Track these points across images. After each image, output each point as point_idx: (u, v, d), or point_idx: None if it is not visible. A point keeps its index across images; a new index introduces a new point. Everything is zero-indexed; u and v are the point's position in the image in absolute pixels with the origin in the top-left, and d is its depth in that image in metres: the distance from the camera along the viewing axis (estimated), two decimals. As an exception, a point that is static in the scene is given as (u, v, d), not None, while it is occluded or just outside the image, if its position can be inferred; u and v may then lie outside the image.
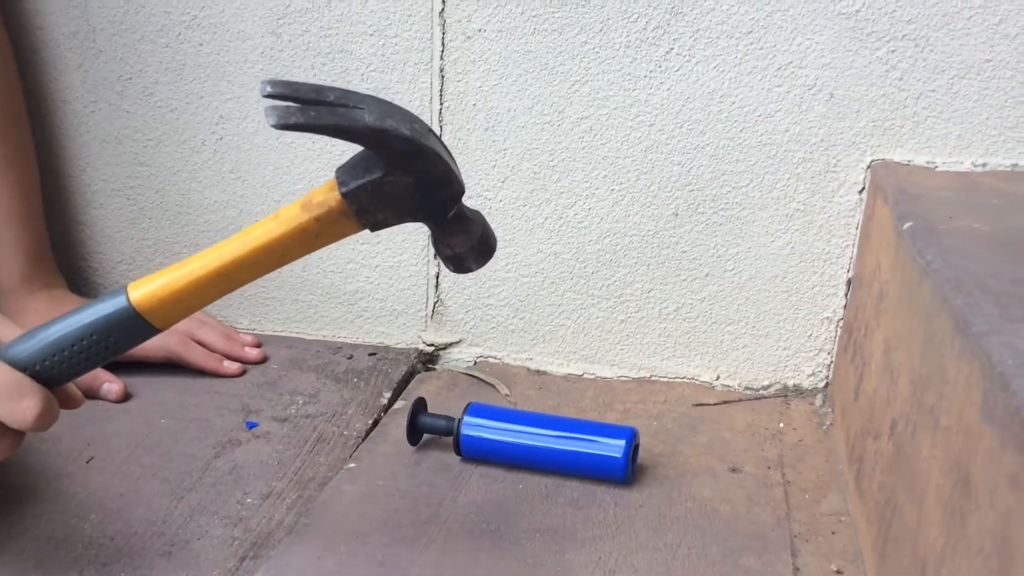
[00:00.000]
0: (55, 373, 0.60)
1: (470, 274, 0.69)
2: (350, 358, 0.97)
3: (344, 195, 0.58)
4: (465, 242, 0.64)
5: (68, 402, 0.63)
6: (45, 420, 0.59)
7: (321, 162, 0.95)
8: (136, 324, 0.60)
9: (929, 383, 0.57)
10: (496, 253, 0.95)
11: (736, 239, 0.90)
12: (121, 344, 0.61)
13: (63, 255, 1.03)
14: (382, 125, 0.57)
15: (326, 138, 0.94)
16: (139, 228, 1.02)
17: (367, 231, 0.61)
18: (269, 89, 0.56)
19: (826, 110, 0.85)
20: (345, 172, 0.59)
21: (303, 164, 0.96)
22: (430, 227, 0.63)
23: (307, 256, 0.96)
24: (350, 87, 0.92)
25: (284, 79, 0.61)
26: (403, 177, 0.59)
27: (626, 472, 0.75)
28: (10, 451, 0.60)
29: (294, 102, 0.56)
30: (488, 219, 0.93)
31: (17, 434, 0.60)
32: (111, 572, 0.64)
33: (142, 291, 0.60)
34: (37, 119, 0.98)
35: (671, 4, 0.84)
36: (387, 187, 0.59)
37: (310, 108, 0.56)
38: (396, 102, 0.91)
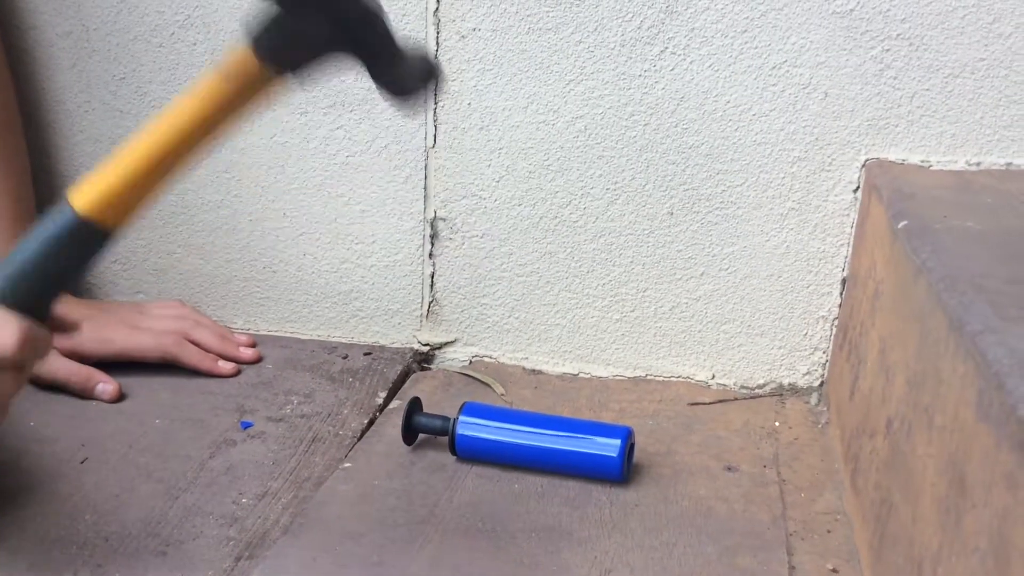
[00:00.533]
0: (28, 304, 0.58)
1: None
2: (345, 358, 0.97)
3: (256, 50, 0.58)
4: (401, 69, 0.62)
5: (59, 328, 0.61)
6: (29, 346, 0.57)
7: (316, 161, 0.95)
8: (88, 231, 0.59)
9: (924, 382, 0.57)
10: (493, 252, 0.95)
11: (731, 238, 0.90)
12: (82, 255, 0.60)
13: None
14: None
15: (319, 140, 0.94)
16: (133, 228, 1.01)
17: (290, 78, 0.59)
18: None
19: (821, 109, 0.85)
20: (255, 27, 0.58)
21: (297, 163, 0.96)
22: (364, 63, 0.61)
23: (303, 255, 0.96)
24: (344, 85, 0.92)
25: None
26: (313, 15, 0.58)
27: (622, 471, 0.75)
28: (13, 390, 0.58)
29: None
30: (483, 218, 0.93)
31: (14, 372, 0.58)
32: (106, 573, 0.64)
33: (84, 197, 0.59)
34: (31, 119, 0.98)
35: (666, 3, 0.84)
36: (293, 22, 0.58)
37: None
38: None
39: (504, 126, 0.91)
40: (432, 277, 0.97)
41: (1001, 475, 0.42)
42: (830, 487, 0.78)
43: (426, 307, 0.98)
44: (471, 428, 0.78)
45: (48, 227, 0.59)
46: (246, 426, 0.83)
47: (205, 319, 0.96)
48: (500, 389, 0.93)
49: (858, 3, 0.81)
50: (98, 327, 0.88)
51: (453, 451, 0.78)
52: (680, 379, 0.96)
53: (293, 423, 0.84)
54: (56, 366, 0.85)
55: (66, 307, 0.61)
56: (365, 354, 0.98)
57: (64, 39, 0.96)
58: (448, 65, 0.90)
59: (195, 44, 0.93)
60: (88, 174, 0.60)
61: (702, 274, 0.92)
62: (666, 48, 0.86)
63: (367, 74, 0.62)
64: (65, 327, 0.63)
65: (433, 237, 0.96)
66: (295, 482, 0.76)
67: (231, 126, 0.61)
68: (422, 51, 0.64)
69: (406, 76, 0.62)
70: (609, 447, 0.75)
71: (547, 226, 0.93)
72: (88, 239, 0.60)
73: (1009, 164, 0.84)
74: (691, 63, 0.86)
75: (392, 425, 0.84)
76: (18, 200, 0.92)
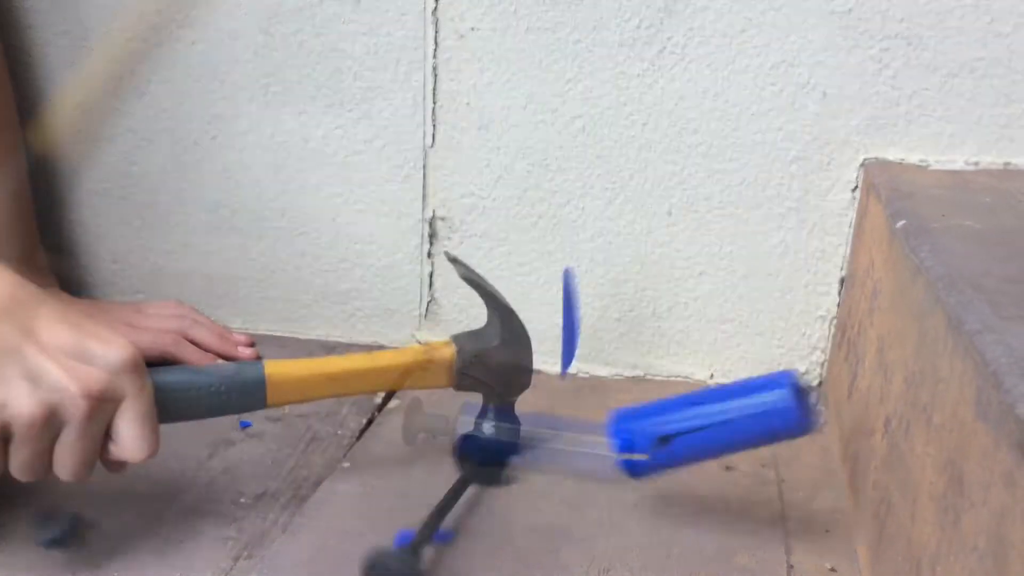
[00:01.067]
0: (169, 411, 0.64)
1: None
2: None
3: (458, 352, 0.74)
4: (506, 433, 0.78)
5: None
6: (147, 459, 0.61)
7: (313, 161, 0.95)
8: (256, 392, 0.67)
9: (923, 381, 0.57)
10: (491, 251, 0.96)
11: (730, 237, 0.90)
12: (233, 405, 0.67)
13: (54, 255, 1.02)
14: (513, 310, 0.76)
15: (318, 139, 0.94)
16: (131, 228, 1.01)
17: (451, 388, 0.76)
18: (451, 257, 0.78)
19: (819, 108, 0.85)
20: (463, 337, 0.76)
21: (296, 163, 0.96)
22: (489, 404, 0.77)
23: (301, 255, 0.97)
24: (343, 86, 0.92)
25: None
26: (505, 354, 0.76)
27: (801, 421, 0.66)
28: (86, 475, 0.60)
29: (464, 267, 0.77)
30: (482, 217, 0.94)
31: (94, 462, 0.60)
32: (104, 572, 0.64)
33: (275, 368, 0.68)
34: (28, 118, 0.98)
35: (664, 3, 0.84)
36: (491, 357, 0.75)
37: (477, 275, 0.77)
38: (389, 101, 0.92)
39: (503, 125, 0.91)
40: (431, 276, 0.97)
41: (999, 474, 0.42)
42: (828, 486, 0.78)
43: (425, 307, 0.98)
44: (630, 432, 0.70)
45: (236, 369, 0.68)
46: (245, 426, 0.83)
47: (203, 318, 0.96)
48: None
49: (857, 3, 0.81)
50: None
51: (454, 451, 0.77)
52: (679, 378, 0.96)
53: (292, 423, 0.84)
54: None
55: (64, 306, 0.61)
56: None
57: (62, 38, 0.96)
58: (446, 65, 0.90)
59: (193, 43, 0.93)
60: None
61: (700, 273, 0.92)
62: (664, 48, 0.86)
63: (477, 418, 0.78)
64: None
65: (432, 236, 0.96)
66: (294, 482, 0.76)
67: (398, 386, 0.77)
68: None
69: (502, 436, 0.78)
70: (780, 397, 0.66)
71: (546, 225, 0.93)
72: (249, 400, 0.68)
73: (1007, 163, 0.84)
74: (690, 62, 0.86)
75: (391, 425, 0.84)
76: (15, 198, 0.92)
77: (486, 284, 0.76)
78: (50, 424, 0.57)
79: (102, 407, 0.58)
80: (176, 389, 0.64)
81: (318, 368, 0.71)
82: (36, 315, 0.58)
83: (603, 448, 0.72)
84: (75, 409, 0.56)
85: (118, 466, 0.62)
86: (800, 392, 0.67)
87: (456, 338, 0.76)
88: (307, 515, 0.71)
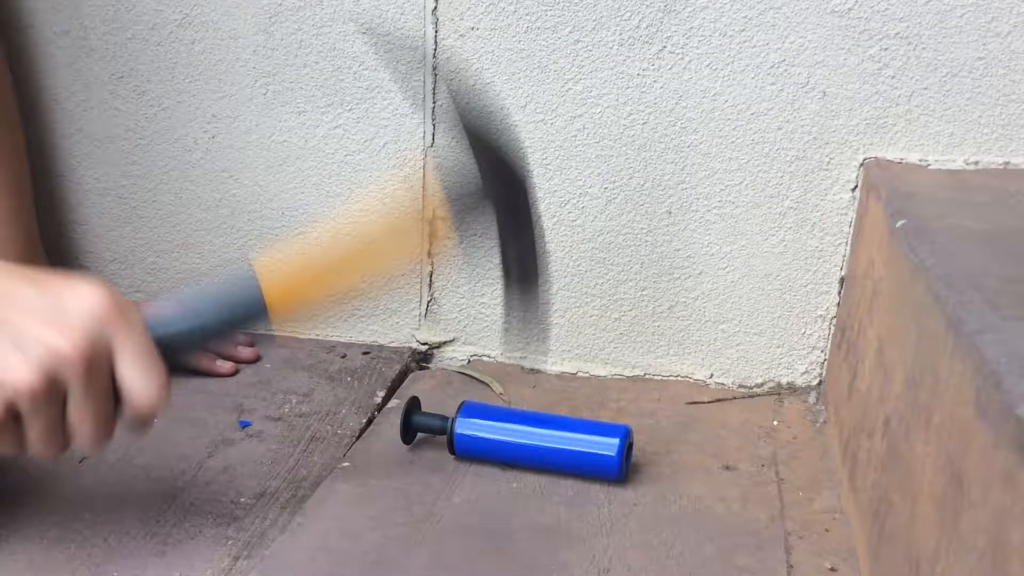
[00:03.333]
0: (178, 355, 0.62)
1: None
2: (343, 357, 0.97)
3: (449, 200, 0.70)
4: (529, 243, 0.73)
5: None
6: (160, 404, 0.59)
7: (315, 160, 0.95)
8: (262, 311, 0.63)
9: (922, 381, 0.57)
10: (491, 251, 0.96)
11: (729, 237, 0.90)
12: (239, 324, 0.64)
13: (55, 254, 1.03)
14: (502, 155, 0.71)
15: (318, 138, 0.94)
16: (131, 227, 1.02)
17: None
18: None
19: (819, 108, 0.85)
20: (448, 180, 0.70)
21: (295, 163, 0.96)
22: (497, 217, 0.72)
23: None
24: (343, 85, 0.92)
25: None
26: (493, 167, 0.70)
27: (620, 470, 0.75)
28: (107, 437, 0.59)
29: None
30: (481, 217, 0.93)
31: (112, 423, 0.59)
32: (104, 572, 0.64)
33: (271, 281, 0.64)
34: (29, 118, 0.98)
35: (664, 2, 0.84)
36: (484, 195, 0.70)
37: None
38: (389, 100, 0.92)
39: (502, 125, 0.90)
40: (431, 276, 0.97)
41: (999, 474, 0.42)
42: (828, 486, 0.78)
43: (424, 306, 0.98)
44: (469, 427, 0.78)
45: (231, 295, 0.64)
46: (244, 425, 0.83)
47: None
48: (499, 388, 0.93)
49: (856, 2, 0.81)
50: None
51: (451, 450, 0.78)
52: (678, 378, 0.96)
53: (291, 422, 0.84)
54: None
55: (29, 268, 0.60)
56: (363, 353, 0.98)
57: (62, 37, 0.96)
58: (446, 64, 0.90)
59: (193, 43, 0.93)
60: (277, 252, 0.65)
61: (700, 273, 0.92)
62: (664, 47, 0.86)
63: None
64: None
65: (431, 236, 0.95)
66: (293, 481, 0.76)
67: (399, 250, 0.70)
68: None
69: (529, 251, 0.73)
70: (608, 446, 0.75)
71: (545, 225, 0.93)
72: (256, 317, 0.64)
73: (1007, 163, 0.84)
74: (689, 62, 0.86)
75: (390, 424, 0.84)
76: (16, 197, 0.92)
77: (484, 135, 0.70)
78: (53, 390, 0.55)
79: (97, 357, 0.56)
80: (176, 332, 0.62)
81: (313, 265, 0.65)
82: (5, 286, 0.57)
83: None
84: (72, 367, 0.55)
85: (139, 421, 0.59)
86: (626, 448, 0.76)
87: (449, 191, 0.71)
88: (307, 515, 0.71)
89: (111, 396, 0.58)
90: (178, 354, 0.62)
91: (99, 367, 0.56)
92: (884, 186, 0.78)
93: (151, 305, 0.63)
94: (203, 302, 0.63)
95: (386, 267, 0.69)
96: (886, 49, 0.82)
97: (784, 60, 0.84)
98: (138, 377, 0.58)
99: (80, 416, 0.57)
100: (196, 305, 0.63)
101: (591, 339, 0.96)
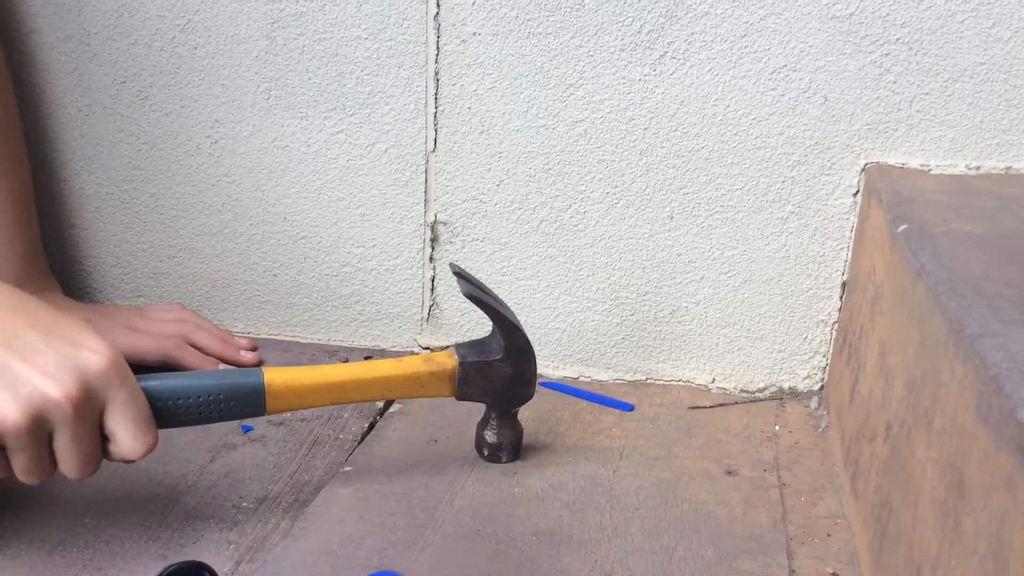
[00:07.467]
0: (168, 415, 0.65)
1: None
2: (346, 361, 0.97)
3: (460, 364, 0.74)
4: (509, 436, 0.79)
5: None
6: (145, 456, 0.61)
7: (317, 165, 0.95)
8: (255, 400, 0.67)
9: (924, 385, 0.57)
10: (493, 255, 0.96)
11: (731, 242, 0.90)
12: (232, 411, 0.67)
13: (57, 259, 1.03)
14: (518, 323, 0.76)
15: (320, 143, 0.94)
16: (134, 232, 1.02)
17: (452, 399, 0.75)
18: (456, 269, 0.77)
19: (820, 113, 0.85)
20: (465, 348, 0.76)
21: (297, 168, 0.96)
22: (492, 414, 0.78)
23: (303, 259, 0.98)
24: (345, 91, 0.92)
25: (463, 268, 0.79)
26: (508, 367, 0.75)
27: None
28: (91, 471, 0.61)
29: (468, 281, 0.76)
30: (483, 222, 0.94)
31: (97, 460, 0.61)
32: (106, 576, 0.64)
33: (273, 376, 0.68)
34: (31, 123, 0.98)
35: (666, 8, 0.85)
36: (493, 369, 0.75)
37: (482, 290, 0.77)
38: (392, 106, 0.92)
39: (504, 130, 0.91)
40: (433, 281, 0.97)
41: (1000, 478, 0.42)
42: (830, 491, 0.78)
43: (427, 311, 0.99)
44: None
45: (234, 376, 0.68)
46: (246, 430, 0.83)
47: (205, 322, 0.97)
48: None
49: (858, 7, 0.81)
50: (98, 330, 0.88)
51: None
52: (680, 383, 0.96)
53: (293, 427, 0.84)
54: None
55: (66, 310, 0.62)
56: (366, 357, 0.98)
57: (65, 43, 0.96)
58: (448, 70, 0.90)
59: (196, 48, 0.94)
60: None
61: (702, 278, 0.92)
62: (666, 52, 0.86)
63: (481, 425, 0.80)
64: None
65: (433, 241, 0.96)
66: (295, 486, 0.76)
67: (398, 395, 0.74)
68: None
69: (507, 440, 0.80)
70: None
71: (547, 230, 0.93)
72: (248, 407, 0.68)
73: (1009, 168, 0.84)
74: (691, 67, 0.86)
75: (392, 429, 0.84)
76: (18, 202, 0.93)
77: (490, 300, 0.76)
78: (38, 429, 0.57)
79: (87, 409, 0.58)
80: (174, 395, 0.65)
81: (317, 377, 0.70)
82: (11, 323, 0.58)
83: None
84: (60, 413, 0.57)
85: (123, 461, 0.62)
86: None
87: (458, 348, 0.75)
88: (308, 519, 0.71)
89: (98, 438, 0.60)
90: (170, 419, 0.65)
91: (88, 415, 0.59)
92: (885, 191, 0.78)
93: (160, 376, 0.66)
94: (206, 376, 0.67)
95: (389, 397, 0.77)
96: (887, 54, 0.82)
97: (785, 65, 0.84)
98: (127, 435, 0.60)
99: (66, 453, 0.59)
100: (199, 378, 0.67)
101: (593, 343, 0.96)
